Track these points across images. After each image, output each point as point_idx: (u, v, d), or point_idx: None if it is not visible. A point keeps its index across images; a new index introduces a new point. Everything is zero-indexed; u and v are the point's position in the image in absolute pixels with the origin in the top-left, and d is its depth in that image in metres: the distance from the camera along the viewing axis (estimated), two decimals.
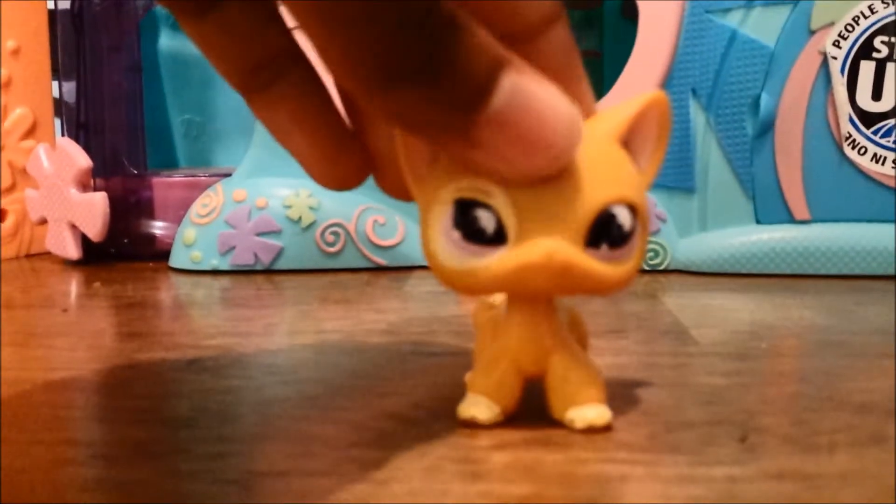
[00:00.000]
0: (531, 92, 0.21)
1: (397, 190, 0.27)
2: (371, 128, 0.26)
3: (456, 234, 0.23)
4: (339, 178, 0.27)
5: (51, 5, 0.59)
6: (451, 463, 0.24)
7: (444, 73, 0.20)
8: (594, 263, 0.23)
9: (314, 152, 0.26)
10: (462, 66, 0.20)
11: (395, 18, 0.19)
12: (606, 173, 0.24)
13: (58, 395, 0.30)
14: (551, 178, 0.23)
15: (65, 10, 0.58)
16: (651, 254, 0.51)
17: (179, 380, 0.32)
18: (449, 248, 0.24)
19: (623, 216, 0.24)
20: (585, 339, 0.30)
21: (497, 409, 0.26)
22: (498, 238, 0.23)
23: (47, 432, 0.26)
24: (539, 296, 0.25)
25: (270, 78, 0.25)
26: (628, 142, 0.25)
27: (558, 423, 0.26)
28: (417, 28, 0.19)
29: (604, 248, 0.23)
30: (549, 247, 0.23)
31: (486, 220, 0.23)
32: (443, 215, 0.24)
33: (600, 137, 0.24)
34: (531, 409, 0.27)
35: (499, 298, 0.28)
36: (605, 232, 0.23)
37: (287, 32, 0.25)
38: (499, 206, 0.23)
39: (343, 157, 0.26)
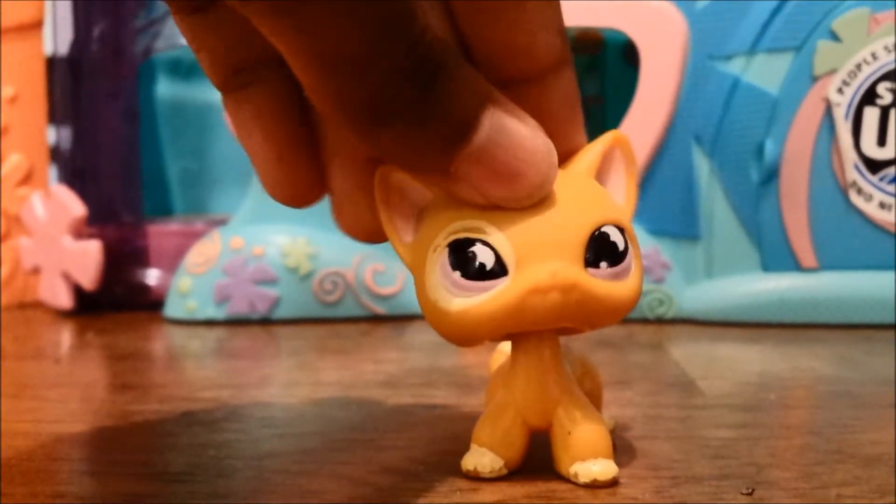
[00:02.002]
0: (510, 128, 0.22)
1: (355, 229, 0.27)
2: (332, 164, 0.26)
3: (456, 275, 0.23)
4: (290, 192, 0.26)
5: (49, 52, 0.59)
6: None
7: (431, 114, 0.21)
8: (598, 282, 0.24)
9: (270, 158, 0.26)
10: (448, 106, 0.21)
11: (391, 64, 0.20)
12: (591, 201, 0.24)
13: (50, 447, 0.30)
14: (530, 205, 0.23)
15: (62, 57, 0.58)
16: (656, 302, 0.50)
17: (173, 433, 0.32)
18: (450, 291, 0.24)
19: (615, 234, 0.24)
20: (599, 390, 0.30)
21: (501, 461, 0.26)
22: (498, 271, 0.23)
23: (40, 485, 0.26)
24: (547, 325, 0.25)
25: (249, 79, 0.25)
26: (599, 181, 0.26)
27: (563, 478, 0.26)
28: (411, 73, 0.20)
29: (603, 266, 0.24)
30: (553, 267, 0.23)
31: (483, 255, 0.23)
32: (438, 261, 0.24)
33: (578, 174, 0.25)
34: (536, 463, 0.26)
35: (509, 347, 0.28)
36: (601, 250, 0.24)
37: None
38: (494, 240, 0.23)
39: (299, 172, 0.26)
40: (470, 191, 0.22)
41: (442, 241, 0.24)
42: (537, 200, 0.23)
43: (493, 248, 0.23)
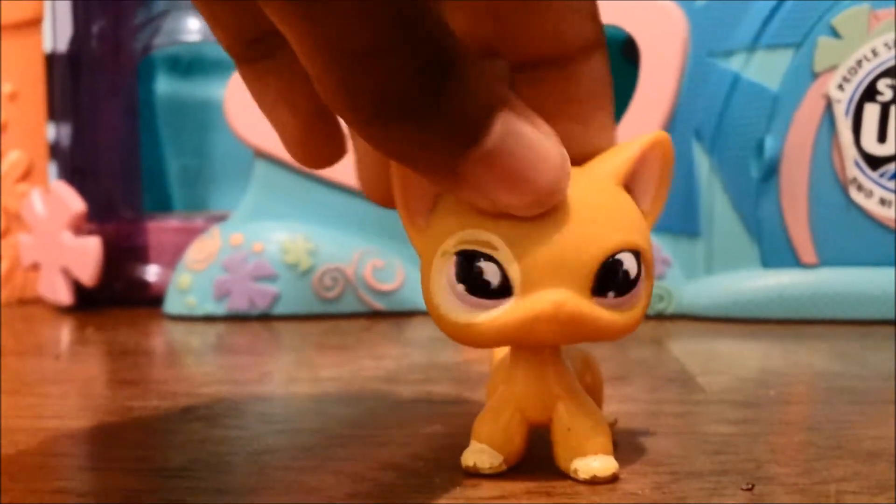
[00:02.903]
0: (522, 134, 0.21)
1: (379, 196, 0.27)
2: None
3: (460, 288, 0.23)
4: (315, 156, 0.27)
5: (48, 48, 0.59)
6: None
7: (439, 113, 0.20)
8: (602, 312, 0.23)
9: (295, 127, 0.26)
10: (459, 106, 0.20)
11: (399, 57, 0.19)
12: (610, 219, 0.23)
13: (50, 443, 0.30)
14: (543, 218, 0.23)
15: (62, 54, 0.58)
16: (656, 298, 0.50)
17: (173, 429, 0.32)
18: (453, 301, 0.23)
19: (629, 262, 0.23)
20: (600, 385, 0.29)
21: (500, 457, 0.26)
22: (503, 291, 0.23)
23: (39, 481, 0.26)
24: (544, 345, 0.25)
25: (265, 51, 0.25)
26: (630, 184, 0.25)
27: (563, 474, 0.26)
28: (420, 68, 0.19)
29: (610, 295, 0.23)
30: (557, 298, 0.22)
31: (490, 273, 0.23)
32: (445, 268, 0.23)
33: (601, 181, 0.24)
34: (535, 459, 0.26)
35: None
36: (611, 279, 0.23)
37: None
38: (502, 258, 0.23)
39: (321, 137, 0.27)
40: (476, 195, 0.22)
41: (451, 249, 0.23)
42: (546, 209, 0.22)
43: (500, 266, 0.23)
